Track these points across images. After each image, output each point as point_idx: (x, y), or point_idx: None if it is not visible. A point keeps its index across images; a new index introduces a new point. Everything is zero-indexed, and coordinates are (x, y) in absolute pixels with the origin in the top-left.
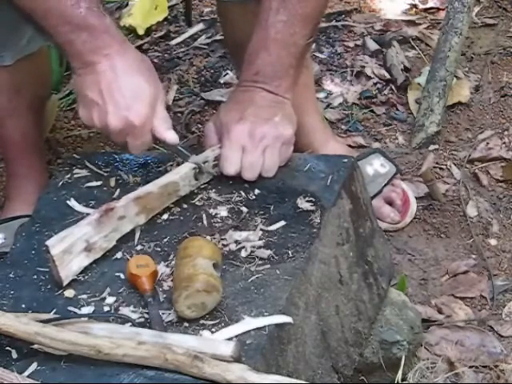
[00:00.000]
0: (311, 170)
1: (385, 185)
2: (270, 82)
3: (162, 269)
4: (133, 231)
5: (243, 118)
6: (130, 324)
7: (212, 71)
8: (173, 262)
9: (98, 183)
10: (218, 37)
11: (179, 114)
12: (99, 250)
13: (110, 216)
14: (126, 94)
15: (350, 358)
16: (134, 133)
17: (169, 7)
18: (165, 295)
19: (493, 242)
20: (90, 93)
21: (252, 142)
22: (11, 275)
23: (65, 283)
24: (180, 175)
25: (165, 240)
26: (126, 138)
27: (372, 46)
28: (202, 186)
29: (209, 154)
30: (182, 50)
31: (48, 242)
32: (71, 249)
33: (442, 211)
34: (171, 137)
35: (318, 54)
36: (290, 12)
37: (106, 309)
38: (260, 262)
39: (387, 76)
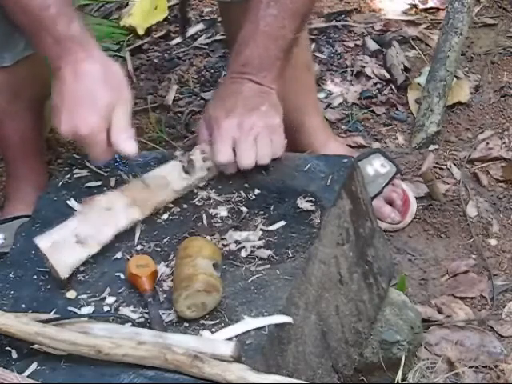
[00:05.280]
0: (311, 170)
1: (385, 185)
2: (257, 73)
3: (162, 269)
4: (133, 231)
5: (231, 111)
6: (130, 324)
7: (212, 71)
8: (173, 262)
9: (98, 183)
10: (218, 37)
11: (179, 114)
12: (94, 242)
13: (95, 206)
14: (78, 104)
15: (349, 358)
16: (85, 142)
17: (169, 7)
18: (165, 295)
19: (493, 242)
20: (55, 99)
21: (242, 133)
22: (11, 275)
23: (63, 275)
24: (166, 169)
25: (165, 240)
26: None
27: (372, 45)
28: (202, 186)
29: (195, 148)
30: (182, 50)
31: (35, 238)
32: (60, 242)
33: (442, 211)
34: (128, 147)
35: (318, 54)
36: (280, 6)
37: (106, 309)
38: (260, 262)
39: (387, 76)
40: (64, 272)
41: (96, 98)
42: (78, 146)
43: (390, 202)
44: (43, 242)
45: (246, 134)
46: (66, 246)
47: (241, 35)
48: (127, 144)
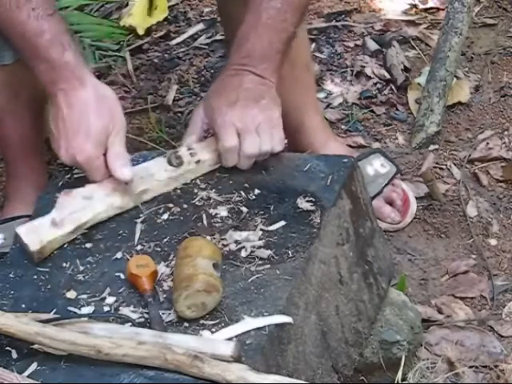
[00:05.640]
0: (311, 170)
1: (385, 185)
2: (258, 65)
3: (162, 269)
4: (133, 229)
5: (233, 102)
6: (130, 324)
7: (212, 71)
8: (173, 262)
9: None
10: (218, 37)
11: (179, 114)
12: (68, 223)
13: (73, 196)
14: (74, 132)
15: (350, 358)
16: (83, 168)
17: (169, 7)
18: (165, 295)
19: (493, 242)
20: (52, 126)
21: (245, 124)
22: (11, 275)
23: (33, 248)
24: (150, 162)
25: (165, 240)
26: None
27: (372, 46)
28: (203, 186)
29: (181, 146)
30: (182, 50)
31: (16, 229)
32: (36, 226)
33: (442, 211)
34: (124, 174)
35: (318, 54)
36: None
37: (106, 309)
38: (260, 262)
39: (387, 76)
40: (34, 244)
41: (90, 126)
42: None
43: (390, 202)
44: (21, 228)
45: (249, 124)
46: (40, 228)
47: (242, 27)
48: (123, 171)
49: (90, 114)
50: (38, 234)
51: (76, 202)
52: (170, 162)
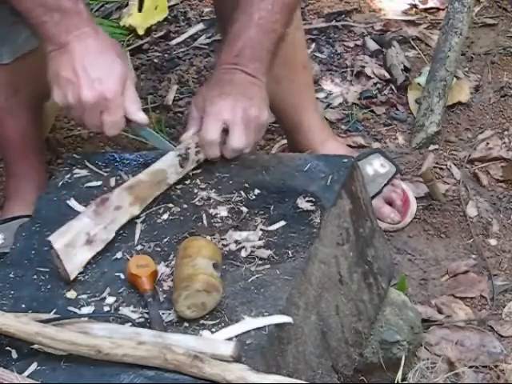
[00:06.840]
0: (311, 170)
1: (385, 185)
2: (249, 65)
3: (162, 269)
4: (133, 229)
5: (227, 94)
6: (130, 324)
7: (212, 71)
8: (173, 262)
9: (98, 183)
10: (218, 37)
11: (179, 114)
12: (100, 242)
13: (107, 206)
14: (97, 70)
15: (349, 358)
16: (107, 107)
17: (169, 7)
18: (165, 295)
19: (493, 242)
20: (64, 72)
21: (234, 115)
22: (11, 275)
23: (72, 276)
24: (167, 163)
25: (165, 240)
26: (99, 114)
27: (372, 45)
28: (203, 186)
29: (189, 140)
30: (182, 49)
31: (50, 238)
32: (73, 242)
33: (442, 211)
34: (141, 117)
35: (318, 54)
36: (274, 0)
37: (106, 309)
38: (260, 262)
39: (387, 76)
40: (73, 274)
41: (113, 68)
42: (87, 117)
43: (390, 202)
44: (58, 243)
45: (239, 118)
46: (76, 247)
47: (234, 27)
48: (140, 115)
49: (111, 57)
50: (74, 255)
51: (108, 215)
52: (180, 162)
